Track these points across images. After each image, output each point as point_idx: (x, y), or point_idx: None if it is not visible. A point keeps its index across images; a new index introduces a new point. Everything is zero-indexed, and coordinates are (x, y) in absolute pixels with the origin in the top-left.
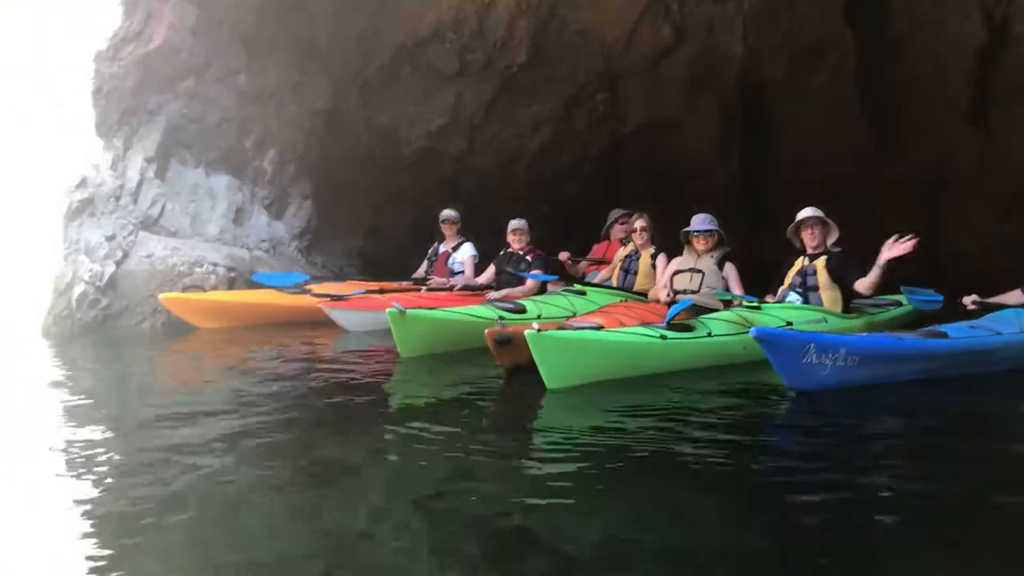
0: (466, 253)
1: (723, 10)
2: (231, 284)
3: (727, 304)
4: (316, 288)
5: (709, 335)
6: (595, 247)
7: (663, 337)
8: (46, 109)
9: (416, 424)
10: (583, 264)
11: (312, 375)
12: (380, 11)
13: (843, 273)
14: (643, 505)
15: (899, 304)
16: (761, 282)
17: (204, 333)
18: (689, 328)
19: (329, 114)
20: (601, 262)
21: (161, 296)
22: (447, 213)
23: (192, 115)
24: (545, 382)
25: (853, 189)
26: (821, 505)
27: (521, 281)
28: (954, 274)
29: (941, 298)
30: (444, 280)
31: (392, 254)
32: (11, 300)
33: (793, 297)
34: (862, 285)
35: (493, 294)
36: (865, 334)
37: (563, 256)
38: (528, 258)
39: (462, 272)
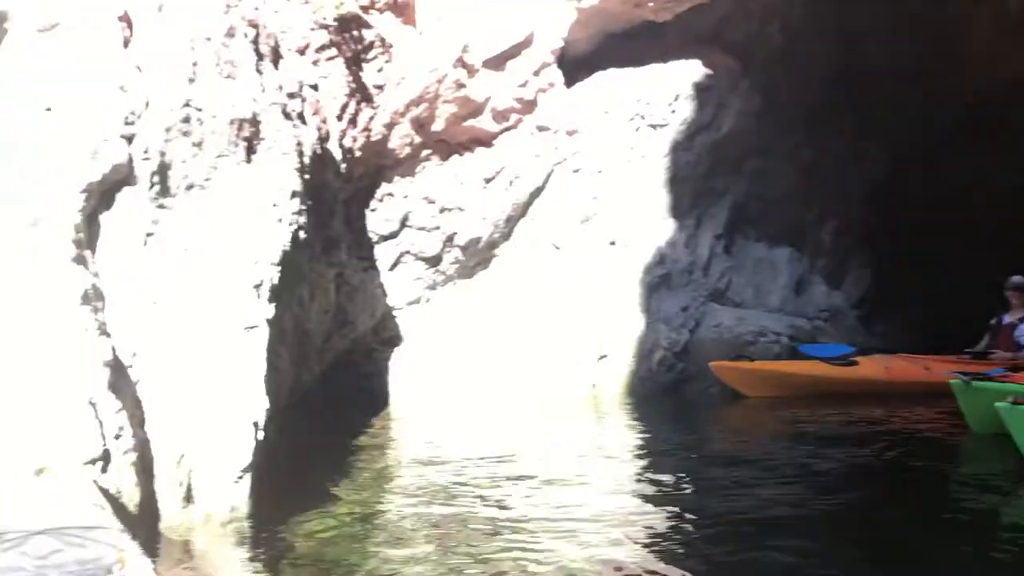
0: None
1: None
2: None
3: None
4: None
5: None
6: None
7: None
8: None
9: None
10: None
11: (870, 447)
12: (940, 70)
13: None
14: None
15: None
16: None
17: (752, 401)
18: None
19: (886, 182)
20: None
21: (711, 364)
22: (1016, 280)
23: (756, 193)
24: None
25: None
26: None
27: None
28: None
29: None
30: (1010, 355)
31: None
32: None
33: None
34: None
35: None
36: None
37: None
38: None
39: None
